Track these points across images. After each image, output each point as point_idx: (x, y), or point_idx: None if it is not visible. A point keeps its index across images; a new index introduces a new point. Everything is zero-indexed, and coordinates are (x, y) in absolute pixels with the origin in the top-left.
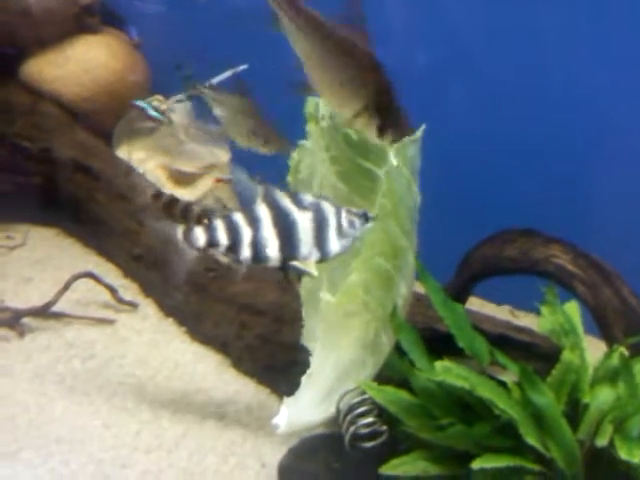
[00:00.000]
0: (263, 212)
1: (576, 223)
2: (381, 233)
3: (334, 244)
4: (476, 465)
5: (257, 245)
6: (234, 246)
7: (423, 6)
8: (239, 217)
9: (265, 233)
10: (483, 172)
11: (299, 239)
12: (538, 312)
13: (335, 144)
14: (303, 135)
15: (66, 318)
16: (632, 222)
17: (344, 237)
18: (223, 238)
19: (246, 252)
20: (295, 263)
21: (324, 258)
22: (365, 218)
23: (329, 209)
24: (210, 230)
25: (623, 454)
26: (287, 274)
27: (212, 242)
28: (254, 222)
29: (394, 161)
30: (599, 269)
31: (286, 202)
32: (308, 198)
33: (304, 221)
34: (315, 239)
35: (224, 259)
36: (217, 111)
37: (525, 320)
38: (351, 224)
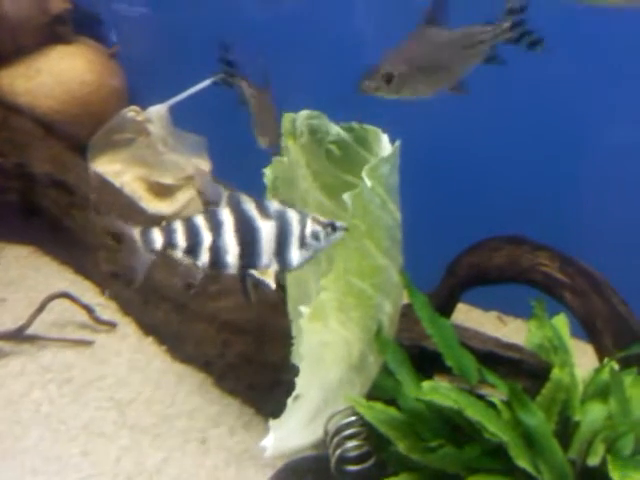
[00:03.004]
0: (225, 217)
1: (563, 229)
2: (355, 253)
3: (294, 255)
4: None
5: (216, 251)
6: (192, 250)
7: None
8: (200, 220)
9: (225, 239)
10: (469, 178)
11: (260, 248)
12: (526, 318)
13: (316, 159)
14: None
15: (41, 341)
16: (620, 228)
17: (305, 248)
18: (181, 240)
19: (204, 257)
20: (254, 272)
21: (284, 269)
22: (332, 228)
23: (293, 218)
24: (168, 232)
25: (616, 477)
26: (245, 283)
27: (170, 244)
28: (215, 227)
29: (368, 182)
30: (587, 277)
31: (250, 208)
32: (274, 205)
33: (266, 229)
34: (276, 249)
35: (184, 260)
36: (250, 107)
37: (513, 326)
38: (314, 235)
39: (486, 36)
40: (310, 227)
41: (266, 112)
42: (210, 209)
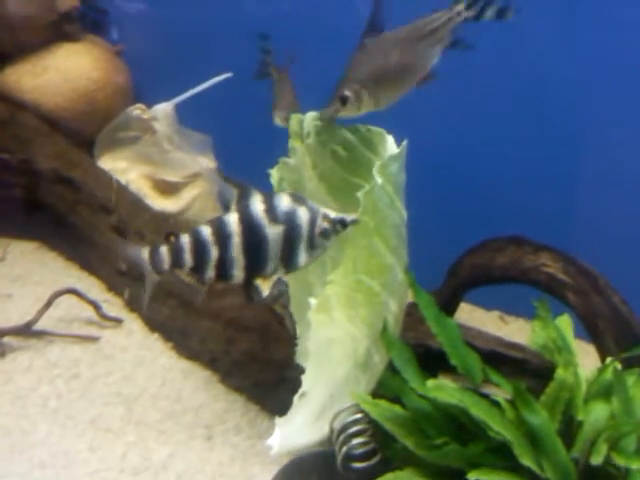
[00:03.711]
0: (232, 227)
1: (565, 229)
2: (364, 250)
3: (302, 257)
4: (472, 477)
5: (223, 265)
6: (199, 267)
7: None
8: (206, 233)
9: (232, 252)
10: (472, 178)
11: (267, 257)
12: (528, 317)
13: (322, 161)
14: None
15: (48, 336)
16: (621, 227)
17: (314, 248)
18: (189, 259)
19: (211, 272)
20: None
21: (291, 271)
22: (342, 224)
23: (303, 218)
24: (176, 251)
25: (621, 462)
26: (250, 290)
27: (177, 264)
28: (222, 239)
29: (378, 180)
30: (589, 277)
31: (259, 213)
32: (284, 205)
33: (274, 237)
34: (283, 254)
35: (187, 279)
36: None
37: (515, 326)
38: (324, 234)
39: (440, 22)
40: (320, 226)
41: (286, 90)
42: (218, 218)
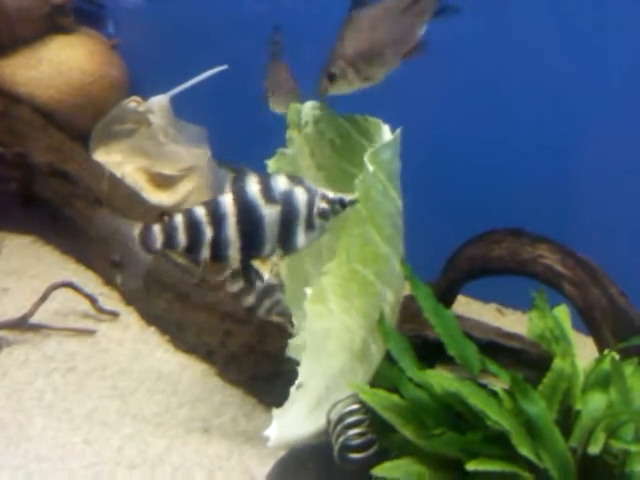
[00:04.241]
0: (227, 207)
1: (564, 221)
2: (358, 239)
3: (300, 238)
4: (470, 467)
5: (217, 245)
6: (193, 246)
7: None
8: (200, 213)
9: (227, 232)
10: (470, 171)
11: (263, 237)
12: (525, 310)
13: (320, 150)
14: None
15: (44, 330)
16: (619, 220)
17: (313, 229)
18: (182, 239)
19: (205, 252)
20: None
21: (289, 252)
22: (341, 205)
23: (301, 198)
24: (168, 230)
25: (620, 446)
26: (248, 272)
27: (170, 244)
28: (216, 219)
29: (370, 167)
30: (587, 268)
31: (254, 193)
32: (281, 185)
33: (271, 216)
34: (281, 234)
35: (180, 260)
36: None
37: (512, 318)
38: (322, 214)
39: None
40: (318, 207)
41: (282, 77)
42: (212, 199)
